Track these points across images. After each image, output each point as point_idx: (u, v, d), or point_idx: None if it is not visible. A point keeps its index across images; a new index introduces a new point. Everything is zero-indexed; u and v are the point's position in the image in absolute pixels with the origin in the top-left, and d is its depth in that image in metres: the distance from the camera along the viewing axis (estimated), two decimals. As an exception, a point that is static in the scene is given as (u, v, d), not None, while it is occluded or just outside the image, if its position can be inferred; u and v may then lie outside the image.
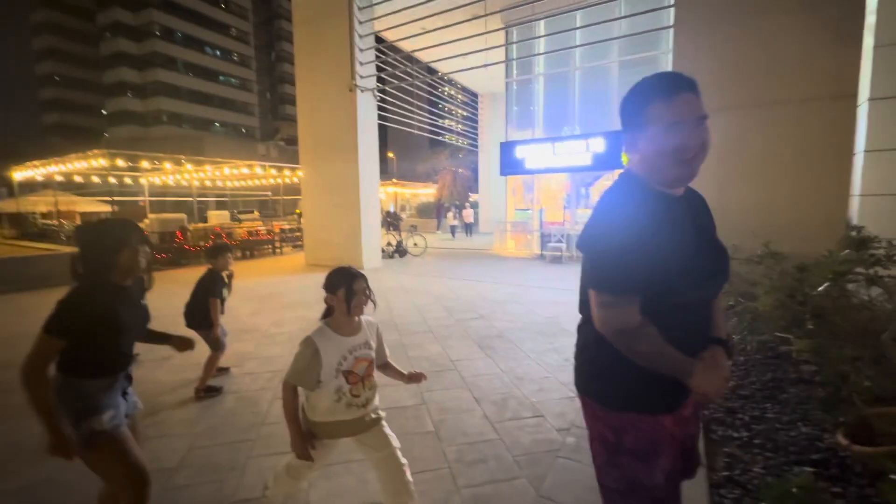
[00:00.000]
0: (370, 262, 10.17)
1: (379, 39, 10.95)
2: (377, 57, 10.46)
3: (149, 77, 48.60)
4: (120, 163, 10.71)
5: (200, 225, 13.40)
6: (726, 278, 1.18)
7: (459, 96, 22.73)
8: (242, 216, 21.75)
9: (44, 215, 14.45)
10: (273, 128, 60.71)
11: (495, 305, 6.37)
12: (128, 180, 16.41)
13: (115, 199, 19.10)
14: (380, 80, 10.60)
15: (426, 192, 29.57)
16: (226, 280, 3.74)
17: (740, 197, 5.53)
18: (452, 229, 18.27)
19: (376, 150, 10.47)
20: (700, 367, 1.06)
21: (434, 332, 5.17)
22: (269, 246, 13.09)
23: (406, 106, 13.09)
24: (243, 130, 57.56)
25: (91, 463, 1.56)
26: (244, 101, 58.03)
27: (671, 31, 6.91)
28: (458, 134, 23.73)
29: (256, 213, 26.78)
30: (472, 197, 26.05)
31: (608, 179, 11.90)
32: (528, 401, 3.29)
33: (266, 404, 3.34)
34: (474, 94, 20.07)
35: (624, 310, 1.04)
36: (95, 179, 15.76)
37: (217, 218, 16.73)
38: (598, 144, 10.42)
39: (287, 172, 15.41)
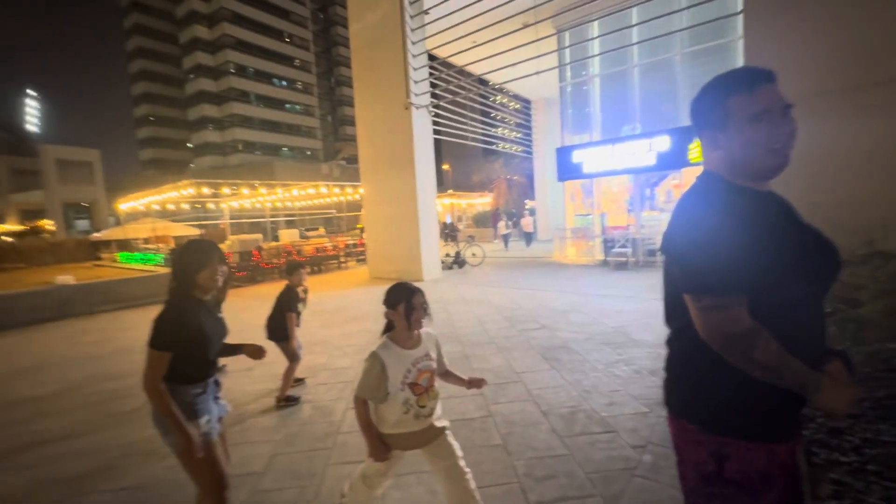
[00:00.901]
0: (430, 273, 10.35)
1: (431, 57, 11.27)
2: (430, 74, 10.75)
3: (226, 111, 53.57)
4: (204, 190, 11.91)
5: (273, 243, 14.45)
6: (837, 276, 1.04)
7: (512, 104, 22.67)
8: (309, 233, 23.07)
9: (144, 241, 16.45)
10: (335, 149, 64.20)
11: (558, 315, 6.20)
12: (210, 205, 18.15)
13: (202, 223, 21.16)
14: (433, 95, 10.89)
15: (482, 202, 29.66)
16: (301, 295, 3.99)
17: (832, 191, 4.96)
18: (505, 238, 17.07)
19: (433, 163, 10.72)
20: (827, 381, 0.92)
21: (496, 343, 5.14)
22: (335, 261, 13.80)
23: (459, 118, 13.30)
24: (308, 153, 61.40)
25: (188, 464, 1.73)
26: (308, 126, 62.02)
27: (740, 17, 6.44)
28: (512, 142, 23.62)
29: (322, 230, 28.29)
30: (528, 204, 25.70)
31: (675, 179, 11.23)
32: (598, 415, 3.16)
33: (340, 414, 3.50)
34: (527, 101, 19.92)
35: (731, 312, 0.92)
36: (185, 206, 17.59)
37: (287, 236, 17.92)
38: (662, 143, 9.89)
39: (349, 190, 16.21)
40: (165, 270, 10.44)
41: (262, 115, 55.91)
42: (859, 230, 3.51)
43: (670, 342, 1.17)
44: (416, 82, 10.15)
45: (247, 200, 17.32)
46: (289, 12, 59.13)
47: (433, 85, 10.95)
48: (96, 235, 23.88)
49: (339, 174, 40.94)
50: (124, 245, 17.29)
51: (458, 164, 43.85)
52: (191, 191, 11.99)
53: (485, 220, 26.67)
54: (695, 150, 9.48)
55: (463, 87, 13.11)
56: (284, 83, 59.22)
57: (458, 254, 12.39)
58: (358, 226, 28.31)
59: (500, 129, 21.03)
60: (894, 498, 1.81)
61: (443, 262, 11.54)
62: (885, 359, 2.90)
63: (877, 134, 4.97)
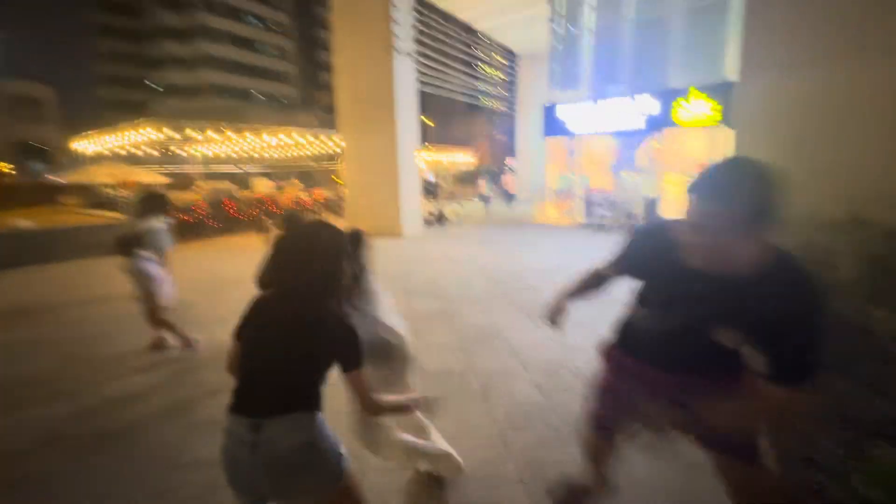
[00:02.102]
0: (411, 229, 10.22)
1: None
2: (414, 17, 10.10)
3: (193, 49, 49.65)
4: (173, 134, 11.16)
5: (248, 194, 13.90)
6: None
7: (497, 58, 21.81)
8: (284, 185, 22.29)
9: (106, 186, 15.50)
10: (312, 97, 61.05)
11: (542, 275, 6.26)
12: (178, 152, 17.15)
13: (170, 169, 20.07)
14: (417, 42, 10.29)
15: (464, 160, 29.17)
16: None
17: (819, 158, 5.02)
18: (485, 199, 15.76)
19: (415, 114, 10.31)
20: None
21: (481, 301, 5.17)
22: (312, 214, 13.43)
23: (443, 69, 12.70)
24: (284, 101, 58.21)
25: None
26: (283, 71, 58.36)
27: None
28: (496, 97, 22.93)
29: (297, 182, 27.36)
30: (509, 162, 25.42)
31: (655, 140, 11.18)
32: (581, 371, 3.25)
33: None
34: (512, 56, 19.18)
35: None
36: (151, 151, 16.57)
37: (263, 186, 17.27)
38: (651, 104, 9.75)
39: (324, 139, 15.51)
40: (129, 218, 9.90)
41: (233, 57, 52.15)
42: (844, 199, 3.56)
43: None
44: (399, 25, 9.53)
45: (219, 147, 16.43)
46: (260, -60, 53.96)
47: (417, 30, 10.32)
48: (51, 178, 22.40)
49: (318, 123, 39.20)
50: (85, 190, 16.30)
51: (438, 117, 42.50)
52: (152, 133, 11.20)
53: (468, 179, 26.35)
54: (681, 111, 9.40)
55: (448, 34, 12.45)
56: (257, 23, 54.97)
57: (440, 211, 12.24)
58: (334, 178, 27.51)
59: (483, 83, 20.30)
60: (847, 442, 1.91)
61: (425, 220, 11.39)
62: (849, 319, 3.03)
63: (872, 102, 4.97)
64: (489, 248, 8.55)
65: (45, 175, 28.60)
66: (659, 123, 9.69)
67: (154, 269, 3.62)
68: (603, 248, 7.32)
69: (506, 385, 3.04)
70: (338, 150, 17.51)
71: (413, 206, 10.41)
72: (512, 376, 3.18)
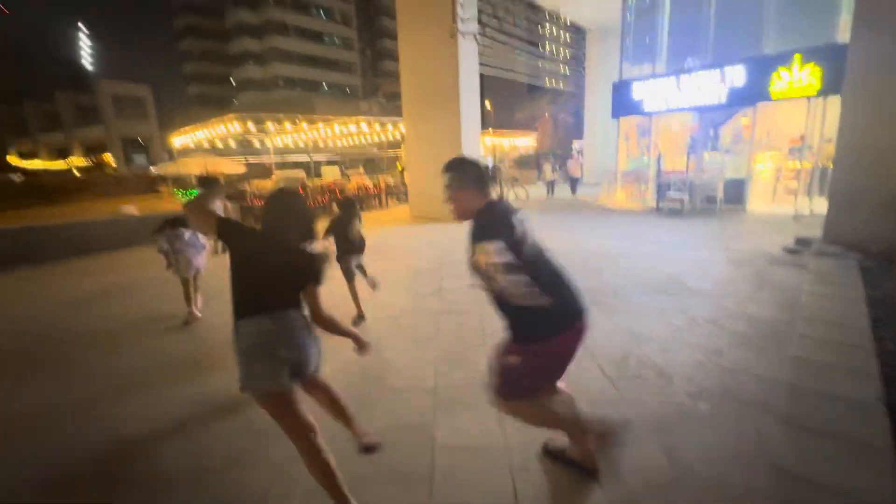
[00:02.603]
0: (471, 214, 10.21)
1: (480, -23, 10.30)
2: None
3: (266, 44, 52.65)
4: (250, 125, 12.02)
5: (317, 181, 14.64)
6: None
7: (563, 35, 20.79)
8: (349, 171, 23.18)
9: (195, 176, 17.17)
10: (375, 85, 62.50)
11: (607, 260, 5.99)
12: (256, 143, 18.43)
13: (248, 159, 21.66)
14: (480, 23, 10.08)
15: (525, 144, 28.42)
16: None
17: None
18: (550, 185, 14.81)
19: (478, 98, 10.18)
20: None
21: (541, 285, 5.06)
22: (376, 199, 13.87)
23: (505, 50, 12.36)
24: (347, 90, 60.15)
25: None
26: (347, 61, 60.16)
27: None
28: (561, 77, 21.95)
29: (362, 170, 28.27)
30: (575, 144, 24.37)
31: (745, 116, 10.13)
32: (651, 361, 3.08)
33: (389, 350, 3.60)
34: (580, 32, 18.18)
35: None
36: (231, 144, 17.96)
37: (330, 174, 18.10)
38: (737, 75, 8.81)
39: (389, 128, 15.86)
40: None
41: (301, 50, 54.62)
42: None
43: None
44: (462, 5, 9.38)
45: (289, 137, 17.41)
46: (326, -67, 55.43)
47: (480, 11, 10.09)
48: (153, 170, 25.11)
49: (380, 111, 40.13)
50: (179, 180, 18.14)
51: (500, 100, 41.65)
52: (237, 126, 12.12)
53: (528, 162, 25.69)
54: (779, 82, 8.41)
55: (511, 13, 12.06)
56: (323, 15, 56.96)
57: (500, 196, 12.07)
58: (398, 165, 28.10)
59: (548, 62, 19.48)
60: None
61: (485, 204, 11.30)
62: None
63: None
64: (553, 233, 8.32)
65: (146, 167, 32.09)
66: (748, 97, 8.76)
67: (194, 241, 4.38)
68: (674, 234, 6.89)
69: (574, 373, 2.96)
70: (400, 137, 17.84)
71: (474, 190, 10.36)
72: (579, 367, 3.08)
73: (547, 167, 15.30)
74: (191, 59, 60.08)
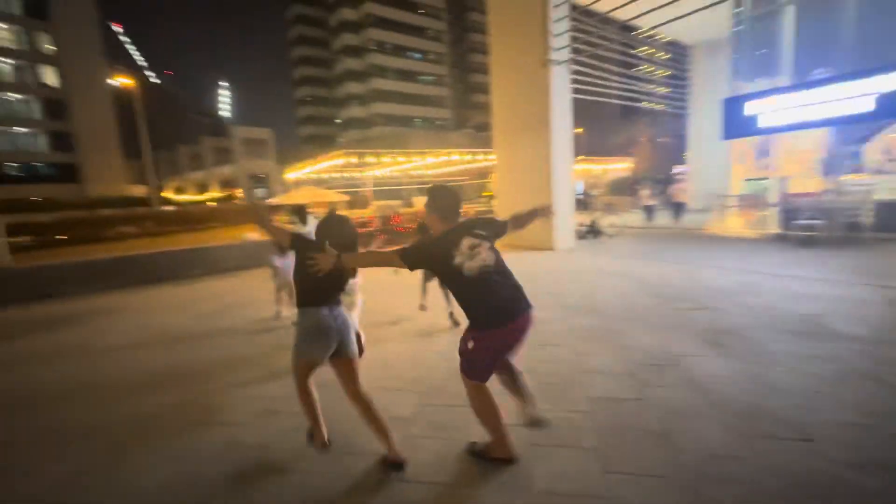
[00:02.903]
0: (563, 242, 9.87)
1: (573, 7, 10.26)
2: (571, 26, 9.83)
3: (367, 86, 57.92)
4: (352, 160, 13.16)
5: (409, 209, 15.39)
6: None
7: (661, 54, 19.71)
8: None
9: (307, 205, 19.28)
10: (464, 117, 64.98)
11: (723, 295, 5.31)
12: (356, 174, 20.10)
13: (349, 190, 23.62)
14: (573, 50, 9.99)
15: (619, 168, 27.07)
16: None
17: None
18: (649, 210, 13.95)
19: (569, 125, 9.99)
20: None
21: (645, 320, 4.63)
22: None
23: (600, 74, 12.02)
24: (438, 123, 63.29)
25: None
26: (439, 96, 63.58)
27: None
28: (660, 98, 20.71)
29: (450, 198, 29.01)
30: (678, 168, 22.55)
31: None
32: (789, 418, 2.59)
33: (478, 375, 3.53)
34: (682, 49, 17.10)
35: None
36: (335, 176, 19.75)
37: (420, 203, 18.93)
38: (887, 82, 7.51)
39: (476, 156, 16.24)
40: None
41: (398, 89, 59.07)
42: None
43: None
44: (555, 36, 9.39)
45: (386, 169, 18.66)
46: (423, -17, 60.23)
47: (573, 39, 10.01)
48: (270, 201, 28.51)
49: (469, 143, 41.37)
50: (296, 209, 20.40)
51: (592, 125, 40.48)
52: (341, 161, 13.34)
53: (622, 188, 24.37)
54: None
55: (605, 38, 11.77)
56: (418, 56, 61.28)
57: (593, 223, 11.54)
58: (485, 193, 28.47)
59: (644, 84, 18.54)
60: None
61: (576, 232, 10.88)
62: None
63: None
64: (654, 263, 7.66)
65: (265, 198, 36.59)
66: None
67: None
68: (809, 266, 5.96)
69: (691, 426, 2.60)
70: (489, 166, 18.11)
71: (566, 218, 10.03)
72: (697, 415, 2.71)
73: (645, 191, 14.27)
74: (305, 104, 68.22)
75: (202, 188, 46.75)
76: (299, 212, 5.59)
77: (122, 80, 21.21)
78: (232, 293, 7.48)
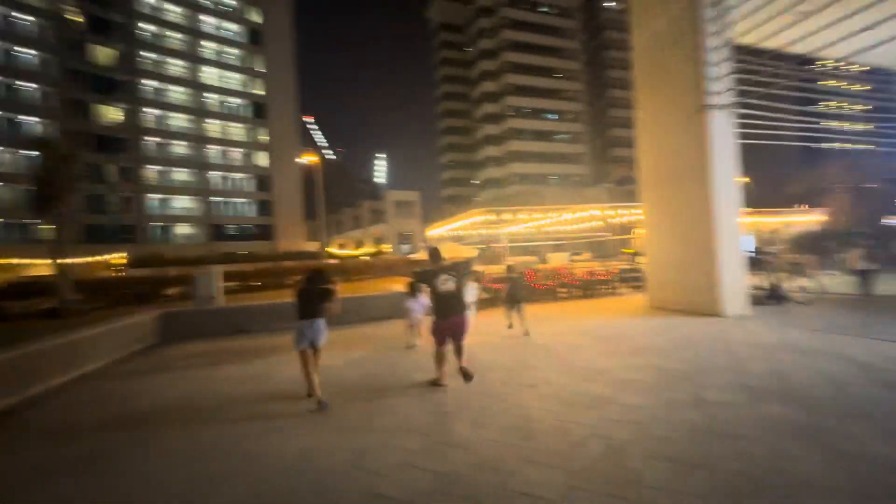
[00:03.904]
0: (733, 307, 8.35)
1: (737, 48, 9.35)
2: (735, 68, 8.91)
3: (504, 149, 60.93)
4: (490, 217, 13.64)
5: (546, 266, 15.03)
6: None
7: (856, 86, 16.40)
8: (575, 258, 23.03)
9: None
10: (603, 172, 63.07)
11: None
12: (492, 231, 20.71)
13: (482, 246, 24.40)
14: (739, 93, 8.96)
15: (800, 220, 22.46)
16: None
17: None
18: (862, 276, 10.31)
19: (734, 175, 8.76)
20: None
21: (872, 418, 3.48)
22: (607, 286, 13.09)
23: (772, 115, 10.46)
24: (575, 179, 62.47)
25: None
26: (576, 153, 63.26)
27: None
28: (858, 136, 16.98)
29: (586, 255, 27.79)
30: (891, 220, 17.69)
31: None
32: None
33: (638, 460, 3.01)
34: (887, 75, 13.97)
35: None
36: (472, 232, 20.65)
37: (556, 259, 18.39)
38: None
39: (617, 211, 15.29)
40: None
41: (534, 149, 60.76)
42: None
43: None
44: (713, 80, 8.60)
45: (521, 226, 18.82)
46: (560, 49, 62.67)
47: (737, 81, 9.01)
48: (412, 256, 31.09)
49: (607, 197, 39.58)
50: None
51: (762, 173, 34.97)
52: (480, 218, 13.93)
53: (809, 244, 19.99)
54: None
55: (778, 76, 10.33)
56: (555, 116, 62.69)
57: (774, 286, 9.58)
58: (626, 250, 26.39)
59: (830, 122, 15.51)
60: None
61: (752, 296, 9.13)
62: None
63: None
64: (875, 342, 5.87)
65: (408, 253, 40.09)
66: None
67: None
68: None
69: None
70: (630, 221, 16.87)
71: (736, 280, 8.54)
72: None
73: (853, 254, 10.83)
74: (447, 168, 74.70)
75: (359, 244, 53.64)
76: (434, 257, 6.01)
77: (308, 159, 26.29)
78: (379, 336, 8.08)
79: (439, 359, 4.93)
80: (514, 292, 7.83)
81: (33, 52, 37.53)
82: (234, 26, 50.40)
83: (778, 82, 10.33)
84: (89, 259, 29.21)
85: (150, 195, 43.02)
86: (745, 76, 9.36)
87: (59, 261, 11.37)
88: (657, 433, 3.43)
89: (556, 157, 62.04)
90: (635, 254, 19.36)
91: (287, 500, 2.83)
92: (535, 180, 59.44)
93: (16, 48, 36.68)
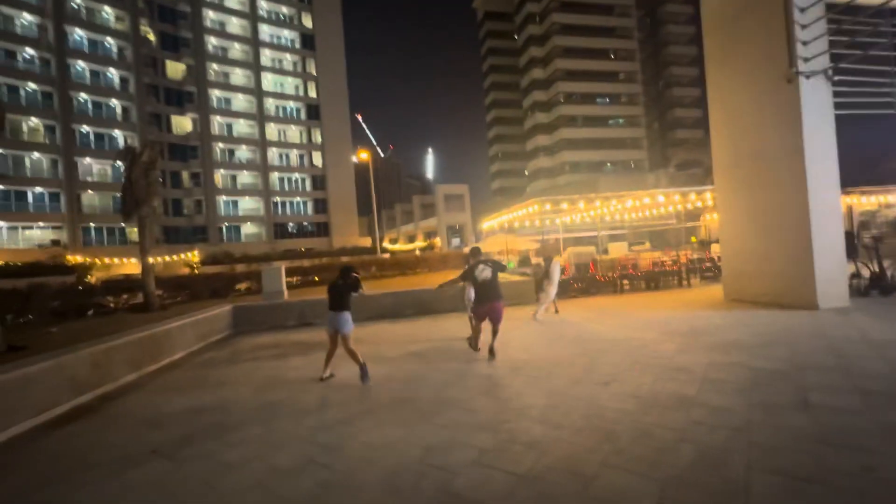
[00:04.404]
0: (831, 299, 7.43)
1: (829, 6, 8.26)
2: (828, 27, 7.87)
3: (555, 137, 59.04)
4: (546, 207, 13.19)
5: (607, 257, 14.33)
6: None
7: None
8: (635, 248, 21.85)
9: (498, 252, 20.26)
10: (663, 156, 59.39)
11: None
12: (546, 221, 20.09)
13: (538, 238, 23.78)
14: (833, 57, 7.90)
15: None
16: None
17: None
18: None
19: (833, 147, 7.77)
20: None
21: None
22: (675, 277, 12.22)
23: (877, 80, 9.13)
24: (631, 165, 59.31)
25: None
26: (633, 137, 59.97)
27: None
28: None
29: (647, 245, 26.32)
30: None
31: None
32: None
33: (739, 470, 2.69)
34: None
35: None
36: (526, 224, 20.18)
37: (616, 250, 17.50)
38: None
39: (682, 197, 14.18)
40: (515, 277, 12.01)
41: (587, 136, 58.33)
42: None
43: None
44: (804, 44, 7.63)
45: (577, 215, 18.09)
46: (614, 28, 59.44)
47: (831, 44, 7.95)
48: (464, 249, 30.95)
49: (668, 183, 37.16)
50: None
51: (854, 147, 31.14)
52: (533, 208, 13.51)
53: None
54: None
55: (879, 35, 8.99)
56: (608, 100, 59.76)
57: (879, 274, 8.44)
58: (693, 239, 24.58)
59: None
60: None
61: (851, 286, 8.11)
62: None
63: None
64: None
65: (460, 247, 40.04)
66: None
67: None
68: None
69: None
70: (698, 206, 15.65)
71: (834, 267, 7.60)
72: None
73: None
74: (496, 160, 73.74)
75: (411, 239, 54.45)
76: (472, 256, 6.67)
77: (360, 157, 26.93)
78: (437, 328, 8.05)
79: (476, 332, 6.15)
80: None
81: (114, 70, 41.43)
82: (288, 32, 52.66)
83: (879, 42, 8.99)
84: (168, 258, 31.94)
85: (218, 197, 46.23)
86: (838, 37, 8.25)
87: (144, 260, 12.43)
88: (757, 440, 3.06)
89: (610, 142, 59.17)
90: (706, 242, 18.00)
91: (358, 488, 2.82)
92: (589, 168, 57.10)
93: (100, 67, 40.65)
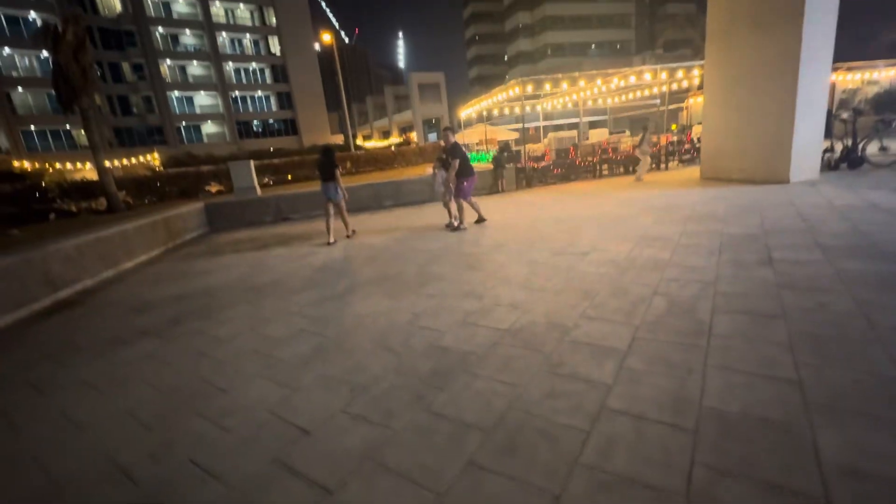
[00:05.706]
0: (802, 173, 7.60)
1: None
2: None
3: (538, 15, 53.76)
4: (528, 89, 12.38)
5: (587, 142, 14.02)
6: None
7: None
8: (615, 135, 21.44)
9: (477, 143, 19.58)
10: (651, 35, 55.51)
11: None
12: (523, 110, 19.17)
13: (517, 126, 22.90)
14: None
15: (888, 76, 19.33)
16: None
17: None
18: None
19: (834, 14, 7.24)
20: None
21: (981, 270, 3.14)
22: (654, 160, 12.20)
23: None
24: (617, 46, 55.55)
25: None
26: (620, 14, 55.19)
27: None
28: None
29: (627, 133, 25.84)
30: None
31: None
32: None
33: (706, 314, 2.89)
34: None
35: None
36: (506, 112, 19.23)
37: (597, 136, 17.11)
38: None
39: (679, 75, 13.45)
40: (487, 166, 11.75)
41: (572, 12, 53.28)
42: None
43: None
44: None
45: (558, 101, 17.24)
46: None
47: None
48: (442, 142, 29.80)
49: (654, 64, 35.27)
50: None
51: (847, 22, 29.57)
52: (515, 91, 12.66)
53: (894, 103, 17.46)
54: None
55: None
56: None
57: (849, 147, 8.55)
58: (673, 126, 24.16)
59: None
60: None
61: (822, 160, 8.25)
62: None
63: None
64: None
65: (437, 140, 38.55)
66: None
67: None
68: None
69: None
70: (683, 87, 15.07)
71: (811, 142, 7.62)
72: None
73: None
74: (473, 44, 67.69)
75: (385, 135, 51.93)
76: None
77: (323, 39, 24.12)
78: (417, 216, 8.03)
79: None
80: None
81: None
82: None
83: None
84: (126, 161, 29.85)
85: (168, 92, 41.85)
86: None
87: (98, 159, 11.50)
88: (724, 290, 3.27)
89: (596, 20, 54.50)
90: (685, 128, 17.74)
91: (350, 349, 2.96)
92: (573, 51, 53.36)
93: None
